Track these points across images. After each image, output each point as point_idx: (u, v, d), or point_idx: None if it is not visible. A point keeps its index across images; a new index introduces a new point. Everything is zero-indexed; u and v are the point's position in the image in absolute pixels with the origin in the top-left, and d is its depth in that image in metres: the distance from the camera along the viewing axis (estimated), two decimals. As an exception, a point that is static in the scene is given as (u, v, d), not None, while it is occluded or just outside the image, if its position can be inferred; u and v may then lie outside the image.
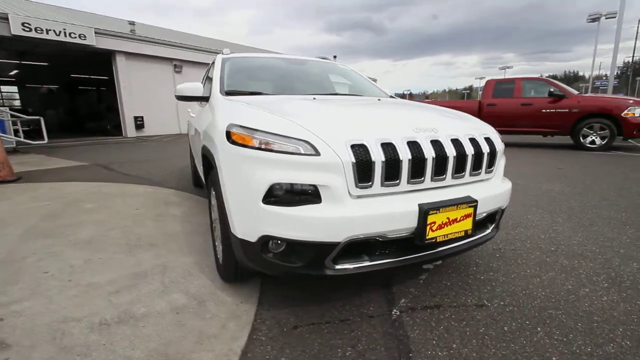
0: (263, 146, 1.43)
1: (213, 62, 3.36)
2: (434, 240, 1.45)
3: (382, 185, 1.41)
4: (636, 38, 14.91)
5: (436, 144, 1.50)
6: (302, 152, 1.37)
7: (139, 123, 15.34)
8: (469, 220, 1.52)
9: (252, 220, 1.45)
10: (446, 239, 1.48)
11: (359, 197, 1.39)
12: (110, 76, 15.03)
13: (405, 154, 1.42)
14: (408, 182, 1.45)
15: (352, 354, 1.43)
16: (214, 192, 2.07)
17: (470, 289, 1.93)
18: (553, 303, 1.79)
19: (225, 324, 1.65)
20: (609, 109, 7.25)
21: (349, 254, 1.43)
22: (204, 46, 17.92)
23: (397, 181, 1.43)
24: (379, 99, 2.53)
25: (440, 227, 1.44)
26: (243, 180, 1.46)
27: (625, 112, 7.04)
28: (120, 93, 14.55)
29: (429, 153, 1.46)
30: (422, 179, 1.48)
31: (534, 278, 2.05)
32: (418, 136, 1.48)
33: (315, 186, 1.36)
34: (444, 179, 1.53)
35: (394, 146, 1.42)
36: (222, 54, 3.08)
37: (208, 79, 3.72)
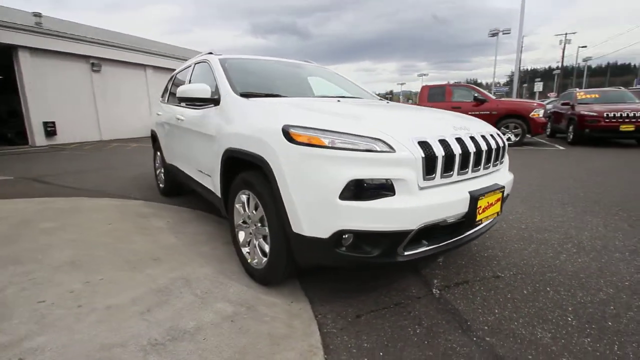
0: (336, 145, 1.50)
1: (192, 65, 3.22)
2: (480, 222, 1.70)
3: (441, 177, 1.59)
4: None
5: (473, 140, 1.75)
6: (378, 149, 1.48)
7: (50, 129, 13.23)
8: (499, 203, 1.81)
9: (325, 216, 1.50)
10: (486, 220, 1.74)
11: (424, 188, 1.55)
12: (10, 76, 12.71)
13: (456, 149, 1.63)
14: (458, 174, 1.66)
15: (422, 330, 1.59)
16: (244, 196, 2.03)
17: (483, 265, 2.25)
18: (547, 268, 2.19)
19: (289, 323, 1.66)
20: (520, 111, 8.68)
21: (412, 241, 1.59)
22: (127, 43, 16.29)
23: (451, 173, 1.63)
24: (387, 101, 2.73)
25: (483, 210, 1.69)
26: (315, 179, 1.51)
27: (532, 113, 8.51)
28: (24, 95, 12.38)
29: (471, 148, 1.70)
30: (467, 170, 1.71)
31: (523, 250, 2.46)
32: (460, 133, 1.70)
33: (389, 180, 1.48)
34: (479, 169, 1.79)
35: (447, 142, 1.62)
36: (212, 54, 2.96)
37: (174, 85, 3.53)
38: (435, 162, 1.56)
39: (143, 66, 17.48)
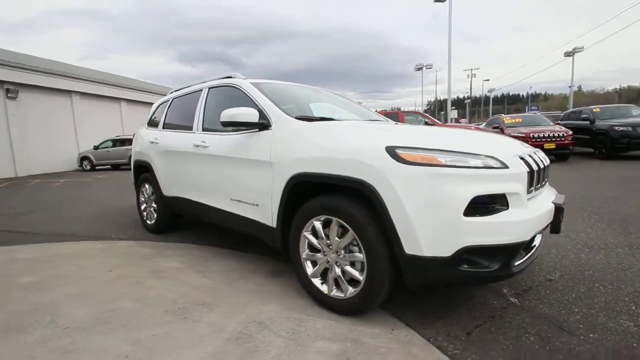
0: (454, 164, 1.54)
1: (204, 90, 3.03)
2: (560, 229, 1.86)
3: (530, 190, 1.73)
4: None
5: (533, 159, 1.93)
6: (494, 166, 1.56)
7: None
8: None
9: (448, 235, 1.51)
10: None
11: (528, 200, 1.67)
12: None
13: (535, 166, 1.79)
14: (535, 189, 1.82)
15: (535, 338, 1.65)
16: (318, 223, 1.93)
17: (534, 271, 2.42)
18: (584, 267, 2.45)
19: (408, 351, 1.58)
20: (464, 134, 9.78)
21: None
22: (48, 68, 14.52)
23: (532, 188, 1.78)
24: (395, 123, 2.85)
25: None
26: (436, 198, 1.51)
27: (475, 135, 9.66)
28: None
29: (536, 165, 1.87)
30: (538, 185, 1.88)
31: (557, 255, 2.72)
32: (526, 152, 1.88)
33: (504, 194, 1.56)
34: (539, 185, 1.97)
35: (527, 160, 1.77)
36: (235, 78, 2.82)
37: (171, 111, 3.31)
38: (533, 176, 1.70)
39: (69, 92, 15.69)
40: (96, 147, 14.64)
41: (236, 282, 2.42)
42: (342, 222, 1.82)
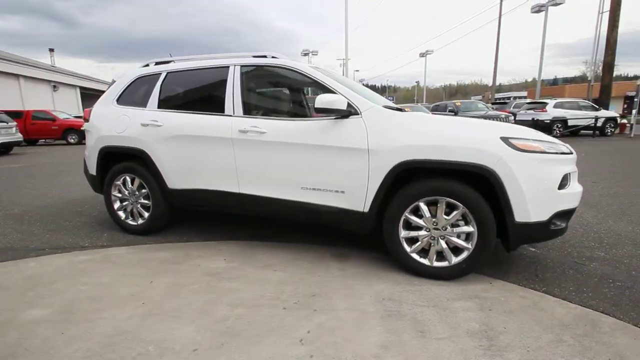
0: (550, 150, 2.04)
1: (232, 67, 2.71)
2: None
3: None
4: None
5: None
6: (567, 152, 2.13)
7: None
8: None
9: (548, 203, 2.02)
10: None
11: None
12: None
13: None
14: None
15: (570, 268, 2.37)
16: (424, 204, 2.18)
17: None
18: (610, 245, 3.40)
19: (520, 295, 2.05)
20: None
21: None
22: None
23: None
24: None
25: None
26: (542, 176, 1.99)
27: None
28: None
29: None
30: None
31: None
32: None
33: (569, 173, 2.16)
34: None
35: None
36: (280, 58, 2.62)
37: (178, 87, 2.91)
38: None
39: None
40: None
41: (315, 272, 2.41)
42: (452, 201, 2.12)
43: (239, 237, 3.10)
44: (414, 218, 2.24)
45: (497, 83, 32.58)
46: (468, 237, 2.17)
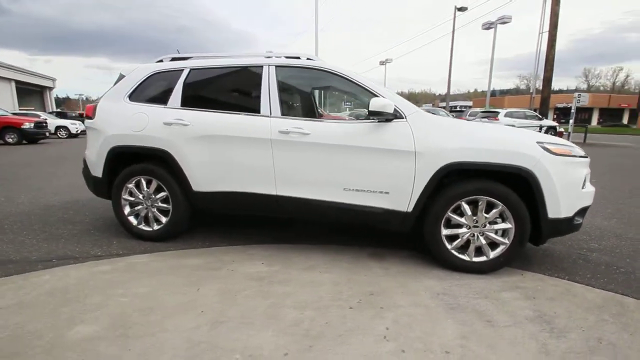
0: (577, 154, 2.31)
1: (266, 66, 2.69)
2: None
3: None
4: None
5: None
6: (585, 155, 2.41)
7: None
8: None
9: (574, 201, 2.28)
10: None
11: None
12: None
13: None
14: None
15: (578, 257, 2.68)
16: (465, 204, 2.34)
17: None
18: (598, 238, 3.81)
19: (552, 283, 2.28)
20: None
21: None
22: None
23: None
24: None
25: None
26: (571, 178, 2.25)
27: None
28: None
29: None
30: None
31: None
32: None
33: (587, 174, 2.45)
34: None
35: None
36: (320, 60, 2.64)
37: (208, 85, 2.84)
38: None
39: None
40: None
41: (358, 271, 2.45)
42: (492, 200, 2.31)
43: (261, 240, 3.02)
44: (455, 216, 2.39)
45: (444, 92, 35.11)
46: (504, 233, 2.37)
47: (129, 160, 2.90)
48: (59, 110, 26.54)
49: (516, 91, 69.10)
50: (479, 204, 2.34)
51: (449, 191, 2.36)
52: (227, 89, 2.87)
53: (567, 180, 2.28)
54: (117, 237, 3.00)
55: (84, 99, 64.90)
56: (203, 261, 2.56)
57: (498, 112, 14.66)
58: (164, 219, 2.88)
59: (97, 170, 2.95)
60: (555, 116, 29.54)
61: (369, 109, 2.31)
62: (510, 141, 2.31)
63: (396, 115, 2.41)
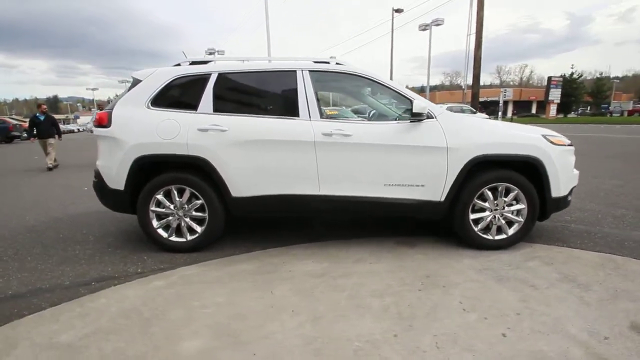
0: (569, 144, 2.83)
1: (300, 71, 2.79)
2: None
3: None
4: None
5: None
6: (571, 144, 2.95)
7: None
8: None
9: (569, 182, 2.81)
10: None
11: None
12: None
13: None
14: None
15: (573, 231, 3.27)
16: (488, 191, 2.73)
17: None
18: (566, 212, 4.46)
19: (568, 254, 2.78)
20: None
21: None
22: None
23: None
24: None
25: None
26: (568, 163, 2.78)
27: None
28: None
29: None
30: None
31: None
32: None
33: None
34: None
35: None
36: (350, 65, 2.80)
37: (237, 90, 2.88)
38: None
39: None
40: None
41: (403, 259, 2.70)
42: (510, 185, 2.73)
43: (289, 242, 3.08)
44: (480, 202, 2.76)
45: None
46: (519, 213, 2.81)
47: (156, 170, 2.75)
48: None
49: (442, 87, 75.98)
50: (499, 189, 2.75)
51: (476, 180, 2.72)
52: (260, 94, 2.89)
53: (564, 165, 2.79)
54: (144, 252, 2.83)
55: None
56: (254, 266, 2.58)
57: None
58: (199, 229, 2.80)
59: (118, 183, 2.75)
60: (478, 109, 33.18)
61: (413, 111, 2.56)
62: (522, 135, 2.75)
63: (428, 115, 2.70)
